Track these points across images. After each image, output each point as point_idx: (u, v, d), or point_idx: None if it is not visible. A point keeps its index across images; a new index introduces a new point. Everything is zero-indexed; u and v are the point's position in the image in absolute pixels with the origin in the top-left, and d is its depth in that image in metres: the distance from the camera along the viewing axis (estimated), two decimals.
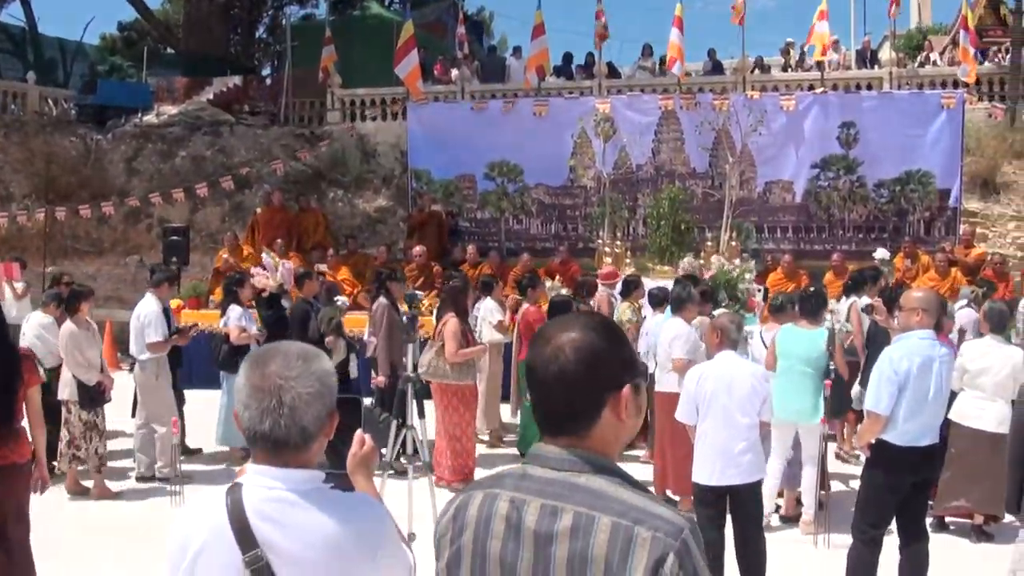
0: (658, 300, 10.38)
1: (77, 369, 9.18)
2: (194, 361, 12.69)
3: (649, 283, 11.98)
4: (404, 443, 8.15)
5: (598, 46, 19.88)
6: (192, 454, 10.73)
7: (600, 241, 15.90)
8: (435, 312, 11.41)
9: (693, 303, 8.99)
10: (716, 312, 10.57)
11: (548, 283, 13.42)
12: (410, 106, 18.58)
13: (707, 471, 6.48)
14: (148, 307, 9.94)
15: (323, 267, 16.24)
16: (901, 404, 5.93)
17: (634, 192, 17.41)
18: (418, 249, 16.07)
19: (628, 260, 15.45)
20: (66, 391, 9.25)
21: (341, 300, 12.36)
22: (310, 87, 21.96)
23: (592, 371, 2.02)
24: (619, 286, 12.23)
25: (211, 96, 23.69)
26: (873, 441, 6.14)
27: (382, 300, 10.50)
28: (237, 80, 24.60)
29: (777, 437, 8.28)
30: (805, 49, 20.67)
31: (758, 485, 6.61)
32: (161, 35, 30.64)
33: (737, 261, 13.06)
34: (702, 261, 13.98)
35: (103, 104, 22.86)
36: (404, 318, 9.88)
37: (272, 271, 12.46)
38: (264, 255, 13.44)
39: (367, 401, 12.07)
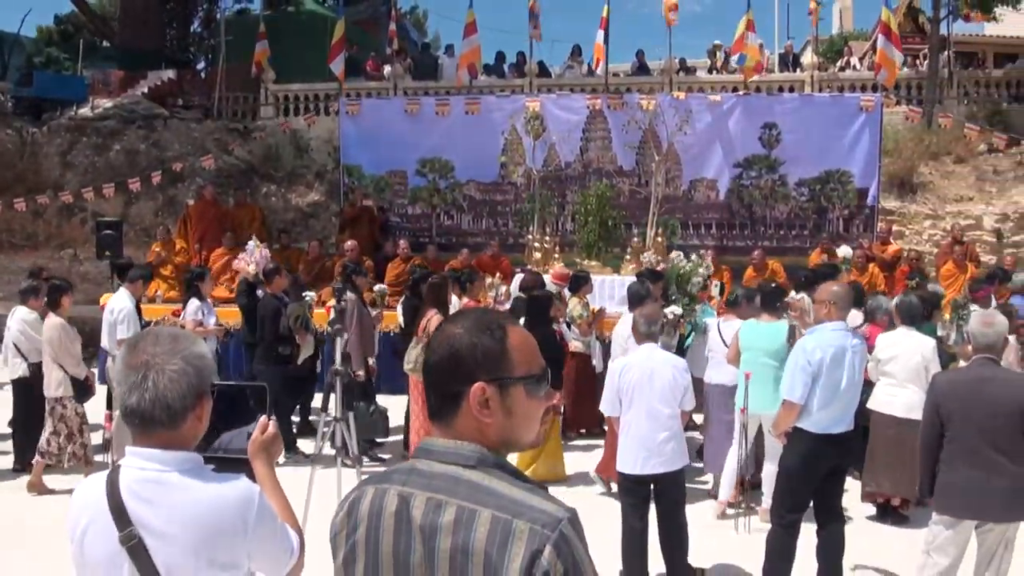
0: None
1: (69, 363, 9.20)
2: None
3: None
4: (333, 436, 8.35)
5: (534, 35, 20.01)
6: None
7: (530, 237, 16.11)
8: (400, 307, 11.56)
9: (651, 299, 8.99)
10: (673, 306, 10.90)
11: (489, 279, 13.55)
12: (342, 102, 18.60)
13: (631, 461, 6.64)
14: (121, 303, 9.89)
15: None
16: (815, 393, 6.13)
17: (563, 189, 17.67)
18: (350, 244, 15.99)
19: (557, 255, 15.72)
20: (60, 388, 9.24)
21: (309, 295, 12.47)
22: (244, 81, 21.95)
23: (449, 364, 2.08)
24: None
25: (146, 89, 23.53)
26: (790, 429, 6.35)
27: (350, 295, 10.47)
28: (171, 74, 24.44)
29: (742, 429, 8.47)
30: (735, 59, 21.02)
31: (681, 473, 6.76)
32: (97, 28, 30.29)
33: (695, 257, 13.30)
34: (628, 255, 14.30)
35: (39, 96, 22.69)
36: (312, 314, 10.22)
37: (252, 258, 12.51)
38: (250, 242, 13.49)
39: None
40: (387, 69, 21.06)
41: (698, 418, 9.92)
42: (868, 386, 8.58)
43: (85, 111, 22.21)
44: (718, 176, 17.56)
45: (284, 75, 21.72)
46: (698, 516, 7.58)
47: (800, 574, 6.45)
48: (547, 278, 12.56)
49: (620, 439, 6.78)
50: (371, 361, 10.78)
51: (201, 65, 28.47)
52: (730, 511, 8.53)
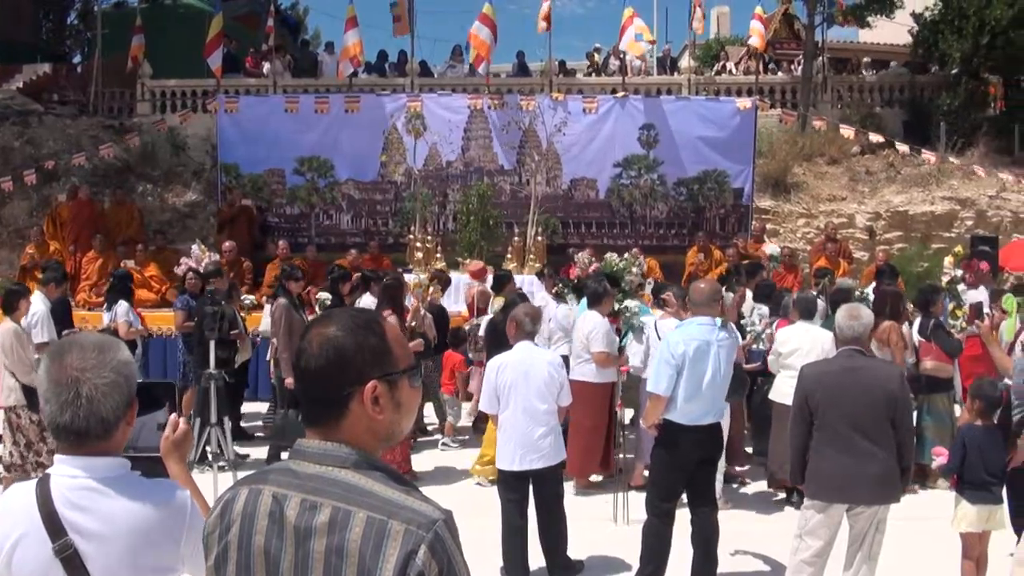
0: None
1: (21, 370, 8.77)
2: None
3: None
4: (209, 441, 8.22)
5: (398, 31, 20.01)
6: None
7: (411, 236, 16.14)
8: (318, 307, 11.39)
9: (609, 297, 9.28)
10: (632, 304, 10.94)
11: (419, 277, 13.27)
12: (220, 99, 18.22)
13: (509, 457, 6.73)
14: (35, 306, 9.52)
15: (130, 263, 15.89)
16: (680, 386, 6.27)
17: (444, 188, 17.70)
18: (228, 244, 15.73)
19: (438, 255, 15.77)
20: (11, 396, 8.82)
21: (249, 300, 12.16)
22: (121, 76, 21.40)
23: (333, 365, 2.06)
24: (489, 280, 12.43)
25: (20, 84, 22.86)
26: (660, 421, 6.46)
27: (280, 300, 10.31)
28: (47, 68, 23.80)
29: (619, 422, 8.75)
30: (624, 56, 21.21)
31: (559, 467, 6.92)
32: None
33: (627, 255, 13.19)
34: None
35: None
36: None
37: (199, 263, 12.24)
38: (194, 246, 13.16)
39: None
40: (266, 66, 20.78)
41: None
42: (771, 377, 9.03)
43: None
44: (598, 176, 17.82)
45: (161, 70, 21.18)
46: (576, 509, 7.64)
47: (677, 561, 6.60)
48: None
49: (499, 436, 6.88)
50: None
51: (77, 59, 27.71)
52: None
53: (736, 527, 7.47)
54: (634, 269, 12.18)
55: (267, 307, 12.28)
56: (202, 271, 11.67)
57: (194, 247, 12.85)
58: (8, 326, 8.95)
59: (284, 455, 7.33)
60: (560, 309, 11.02)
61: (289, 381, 9.94)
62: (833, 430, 5.73)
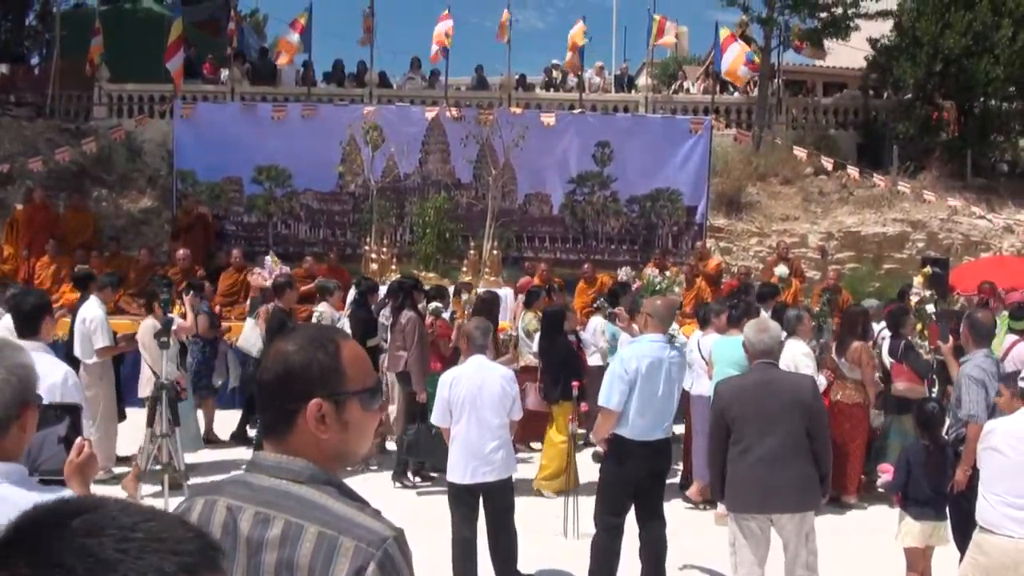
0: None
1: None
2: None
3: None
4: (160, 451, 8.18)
5: (365, 41, 20.03)
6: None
7: (367, 247, 16.16)
8: (348, 319, 11.17)
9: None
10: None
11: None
12: (177, 104, 18.12)
13: (461, 471, 6.73)
14: (93, 311, 9.64)
15: (84, 268, 15.67)
16: (632, 401, 6.36)
17: (401, 200, 17.76)
18: (181, 252, 15.56)
19: (394, 267, 15.77)
20: (148, 388, 9.29)
21: (318, 311, 12.08)
22: (79, 79, 21.17)
23: (280, 381, 2.09)
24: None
25: None
26: (609, 436, 6.54)
27: (411, 313, 10.07)
28: (4, 69, 23.49)
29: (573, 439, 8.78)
30: (570, 71, 21.34)
31: (510, 481, 6.92)
32: None
33: (668, 273, 12.92)
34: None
35: None
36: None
37: (270, 274, 12.12)
38: (267, 258, 12.98)
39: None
40: (224, 73, 20.68)
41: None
42: None
43: None
44: (552, 191, 18.03)
45: (119, 74, 21.00)
46: (526, 523, 7.58)
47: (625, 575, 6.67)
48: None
49: (451, 449, 6.88)
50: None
51: (35, 60, 27.37)
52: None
53: (685, 542, 7.53)
54: (676, 288, 12.09)
55: (248, 320, 12.27)
56: (273, 282, 11.60)
57: (267, 259, 12.66)
58: (149, 323, 9.61)
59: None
60: (595, 321, 11.18)
61: (423, 396, 9.73)
62: (750, 442, 5.78)
